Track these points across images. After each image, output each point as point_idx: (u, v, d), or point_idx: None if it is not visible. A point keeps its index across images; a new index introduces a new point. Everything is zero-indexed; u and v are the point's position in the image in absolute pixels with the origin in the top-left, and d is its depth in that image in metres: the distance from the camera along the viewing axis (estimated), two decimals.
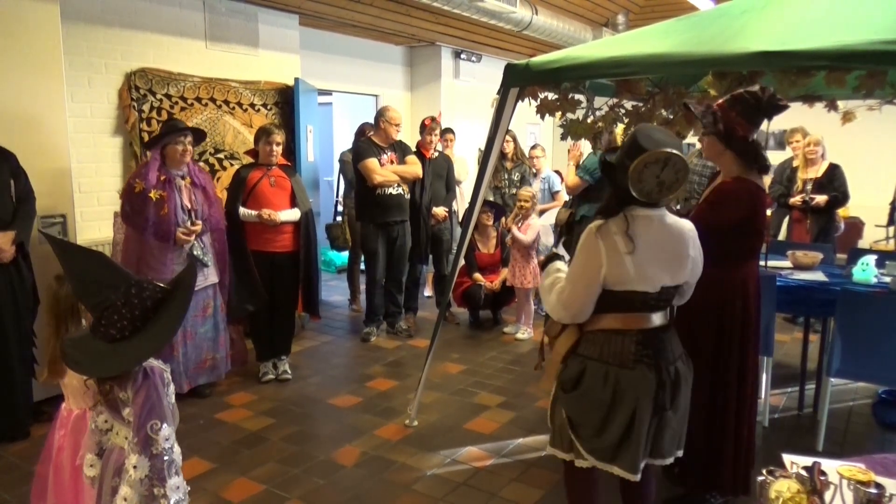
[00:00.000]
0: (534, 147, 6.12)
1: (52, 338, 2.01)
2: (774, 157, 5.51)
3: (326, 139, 7.87)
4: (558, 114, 3.64)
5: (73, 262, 1.66)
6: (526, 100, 3.34)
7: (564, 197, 6.27)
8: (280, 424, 3.63)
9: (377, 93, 7.26)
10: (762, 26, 2.78)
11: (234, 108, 5.12)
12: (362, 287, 5.76)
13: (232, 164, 5.06)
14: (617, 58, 2.91)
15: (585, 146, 4.92)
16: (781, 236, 5.87)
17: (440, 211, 5.50)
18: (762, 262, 3.19)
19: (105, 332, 1.61)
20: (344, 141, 7.73)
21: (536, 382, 4.20)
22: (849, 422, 3.74)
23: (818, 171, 5.43)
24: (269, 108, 5.38)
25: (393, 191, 5.00)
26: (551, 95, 3.44)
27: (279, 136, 4.08)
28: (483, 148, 5.76)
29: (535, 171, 6.03)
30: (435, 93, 7.47)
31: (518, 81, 3.29)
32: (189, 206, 3.75)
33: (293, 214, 4.15)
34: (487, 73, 8.03)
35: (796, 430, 3.63)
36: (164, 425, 1.65)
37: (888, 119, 4.44)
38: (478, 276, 5.51)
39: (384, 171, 4.92)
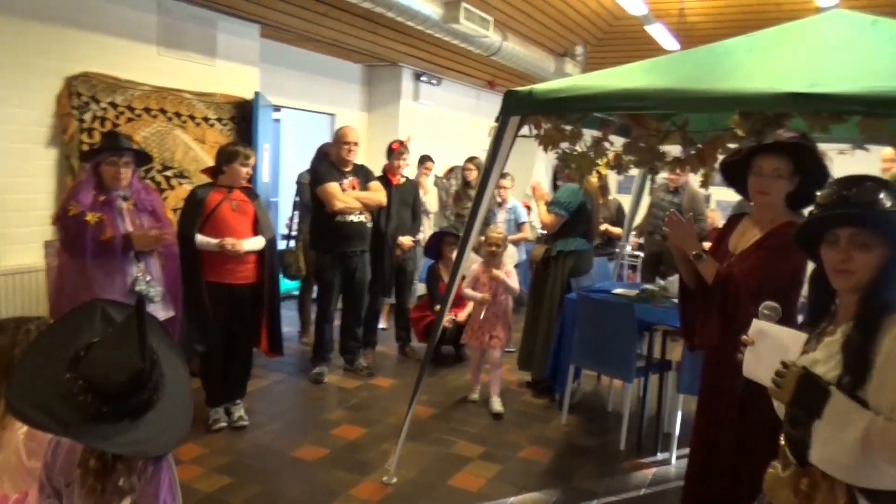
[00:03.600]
0: (503, 176, 5.91)
1: None
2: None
3: (274, 159, 7.43)
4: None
5: None
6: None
7: (530, 230, 6.10)
8: (239, 484, 3.19)
9: (333, 111, 6.90)
10: (777, 65, 2.66)
11: (185, 122, 4.66)
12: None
13: (181, 184, 4.59)
14: (632, 90, 2.72)
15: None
16: None
17: (406, 240, 5.19)
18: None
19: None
20: (291, 161, 7.31)
21: (515, 429, 3.92)
22: None
23: None
24: (224, 122, 4.95)
25: (354, 218, 4.66)
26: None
27: (254, 158, 3.69)
28: (444, 175, 5.44)
29: (500, 200, 5.82)
30: (393, 114, 7.18)
31: (519, 110, 3.06)
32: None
33: (257, 243, 3.75)
34: (447, 98, 7.83)
35: None
36: None
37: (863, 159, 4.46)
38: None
39: (346, 198, 4.58)
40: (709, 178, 3.60)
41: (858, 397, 1.32)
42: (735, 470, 2.33)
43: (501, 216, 5.71)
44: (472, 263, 4.55)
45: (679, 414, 3.64)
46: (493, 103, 8.91)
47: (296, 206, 5.72)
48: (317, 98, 6.66)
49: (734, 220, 2.57)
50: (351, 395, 4.50)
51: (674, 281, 4.39)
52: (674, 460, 3.65)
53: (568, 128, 3.01)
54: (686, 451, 3.74)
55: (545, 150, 3.37)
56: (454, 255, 5.20)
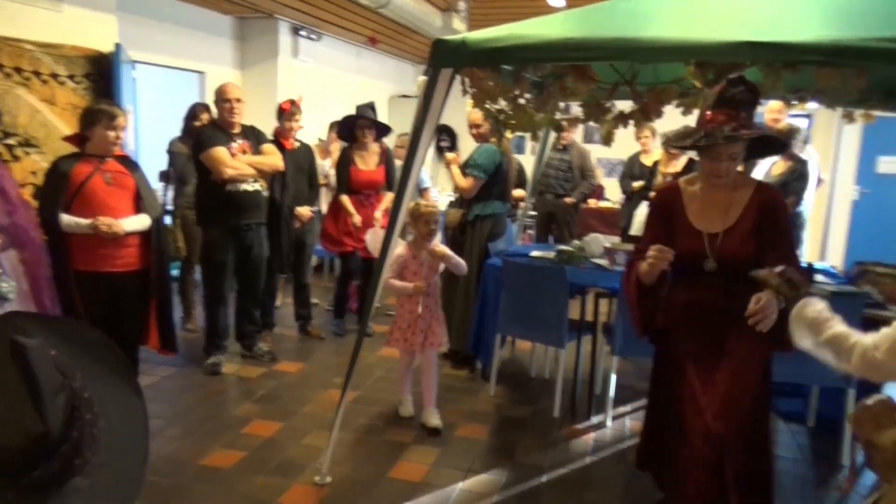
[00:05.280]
0: (402, 135, 5.57)
1: None
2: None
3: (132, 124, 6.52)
4: (470, 101, 3.18)
5: None
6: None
7: (433, 194, 5.83)
8: None
9: (202, 69, 6.15)
10: (721, 13, 2.55)
11: (29, 79, 3.86)
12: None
13: (28, 153, 3.83)
14: (579, 40, 2.48)
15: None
16: (635, 230, 6.02)
17: (305, 211, 4.73)
18: None
19: None
20: (151, 127, 6.45)
21: (445, 405, 3.70)
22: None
23: (678, 165, 5.60)
24: (77, 80, 4.17)
25: (248, 187, 4.13)
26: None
27: (124, 119, 3.07)
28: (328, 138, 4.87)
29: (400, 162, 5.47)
30: (271, 72, 6.55)
31: (451, 61, 2.73)
32: None
33: (141, 222, 3.18)
34: (329, 55, 7.27)
35: None
36: None
37: None
38: (355, 217, 4.76)
39: (237, 163, 4.04)
40: (612, 135, 3.52)
41: None
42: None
43: None
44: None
45: (613, 376, 3.59)
46: (374, 61, 8.46)
47: (165, 177, 5.04)
48: (182, 53, 5.89)
49: (668, 193, 2.42)
50: (256, 386, 4.05)
51: (590, 241, 4.34)
52: (609, 422, 3.61)
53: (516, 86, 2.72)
54: (620, 411, 3.77)
55: (475, 105, 3.10)
56: (369, 139, 4.82)
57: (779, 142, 2.30)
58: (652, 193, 5.59)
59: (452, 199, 4.75)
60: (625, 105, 3.25)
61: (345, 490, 2.89)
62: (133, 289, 3.22)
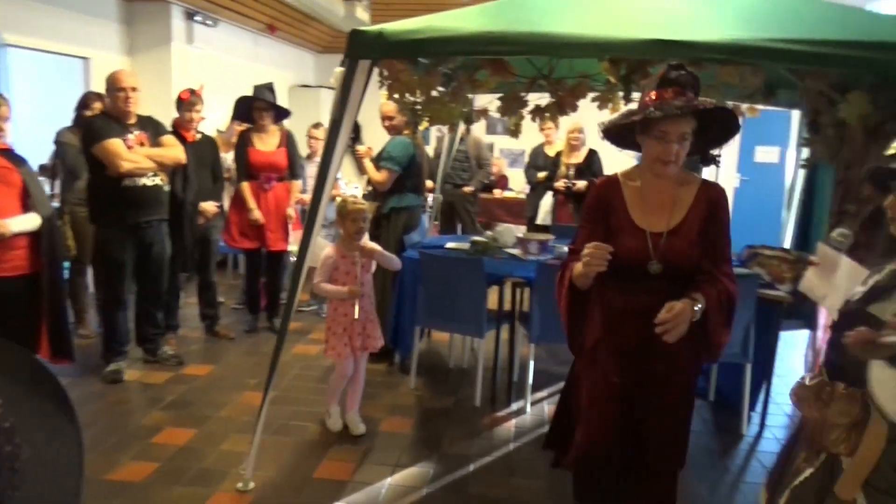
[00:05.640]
0: (315, 126, 5.42)
1: None
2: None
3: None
4: (384, 91, 3.16)
5: None
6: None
7: (342, 185, 5.73)
8: None
9: (86, 55, 5.71)
10: (633, 12, 2.66)
11: None
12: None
13: None
14: (499, 34, 2.52)
15: None
16: (541, 219, 6.20)
17: (209, 206, 4.51)
18: None
19: None
20: (27, 117, 5.91)
21: (366, 400, 3.66)
22: None
23: (580, 156, 5.81)
24: None
25: (147, 181, 3.89)
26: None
27: (7, 108, 2.80)
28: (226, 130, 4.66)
29: (310, 152, 5.34)
30: (164, 59, 6.17)
31: (369, 53, 2.69)
32: None
33: (30, 222, 2.92)
34: (225, 42, 6.95)
35: None
36: None
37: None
38: (254, 213, 4.61)
39: (134, 156, 3.80)
40: (519, 127, 3.61)
41: (868, 314, 1.44)
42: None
43: (311, 170, 5.22)
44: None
45: (531, 363, 3.68)
46: (273, 49, 8.18)
47: (48, 170, 4.66)
48: (62, 37, 5.43)
49: (606, 187, 2.11)
50: (164, 392, 3.84)
51: (503, 231, 4.43)
52: (528, 408, 3.70)
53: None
54: (538, 396, 3.88)
55: (390, 97, 3.07)
56: (267, 121, 4.63)
57: (732, 123, 1.99)
58: (558, 184, 5.80)
59: (364, 191, 4.70)
60: (533, 97, 3.32)
61: (270, 494, 2.80)
62: (21, 294, 2.95)
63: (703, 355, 2.06)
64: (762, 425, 3.60)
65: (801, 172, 4.27)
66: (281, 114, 4.78)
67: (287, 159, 4.75)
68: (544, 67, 2.91)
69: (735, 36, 2.37)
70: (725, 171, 8.36)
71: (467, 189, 6.56)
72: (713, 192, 2.05)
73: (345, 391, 3.43)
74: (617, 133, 2.07)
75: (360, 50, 2.69)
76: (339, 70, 2.77)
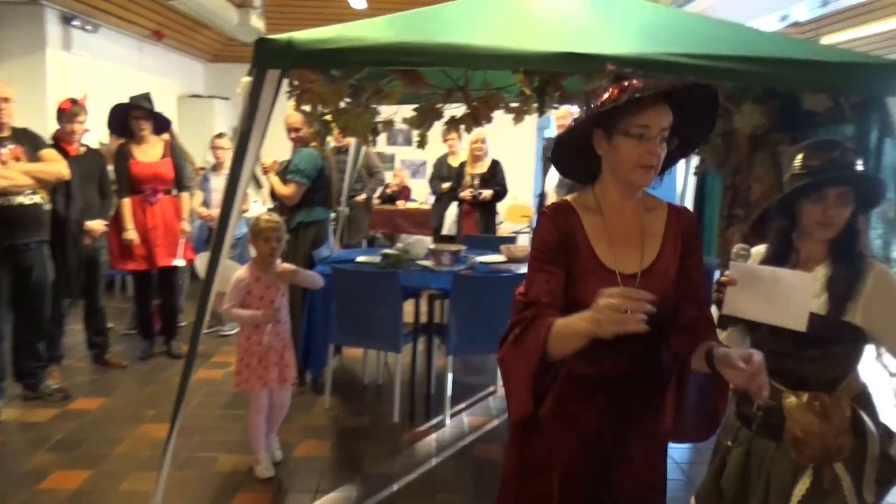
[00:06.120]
0: (219, 136, 5.14)
1: None
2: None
3: None
4: (291, 103, 3.06)
5: None
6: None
7: (252, 200, 5.46)
8: None
9: None
10: (542, 26, 2.72)
11: None
12: None
13: None
14: (415, 45, 2.51)
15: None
16: (447, 230, 6.22)
17: (96, 225, 4.17)
18: None
19: None
20: None
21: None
22: None
23: (483, 166, 5.87)
24: None
25: (25, 200, 3.59)
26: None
27: None
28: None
29: (216, 162, 5.06)
30: (37, 67, 5.66)
31: (278, 62, 2.59)
32: None
33: None
34: (107, 49, 6.48)
35: None
36: None
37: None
38: (130, 233, 4.31)
39: (8, 172, 3.48)
40: (425, 138, 3.61)
41: (844, 322, 1.61)
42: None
43: (217, 183, 4.95)
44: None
45: (450, 375, 3.66)
46: (159, 57, 7.75)
47: None
48: None
49: (561, 215, 1.58)
50: (49, 431, 3.48)
51: (414, 243, 4.39)
52: (448, 421, 3.67)
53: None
54: (457, 408, 3.85)
55: (298, 107, 2.97)
56: (146, 130, 4.32)
57: (708, 118, 1.57)
58: (464, 193, 5.82)
59: (265, 205, 4.52)
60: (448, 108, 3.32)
61: None
62: None
63: (690, 433, 1.56)
64: None
65: (693, 179, 4.52)
66: (161, 123, 4.49)
67: (174, 170, 4.48)
68: (460, 79, 2.91)
69: (641, 50, 2.48)
70: None
71: (360, 198, 6.48)
72: (685, 219, 1.61)
73: (268, 418, 3.16)
74: (571, 146, 1.59)
75: (269, 59, 2.58)
76: (246, 80, 2.64)
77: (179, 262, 4.55)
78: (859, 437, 1.60)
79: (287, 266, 3.13)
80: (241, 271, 3.03)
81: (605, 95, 1.49)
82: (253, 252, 3.11)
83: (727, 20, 3.16)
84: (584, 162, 1.60)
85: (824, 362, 1.64)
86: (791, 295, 1.52)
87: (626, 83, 1.46)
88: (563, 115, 5.43)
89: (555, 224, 1.57)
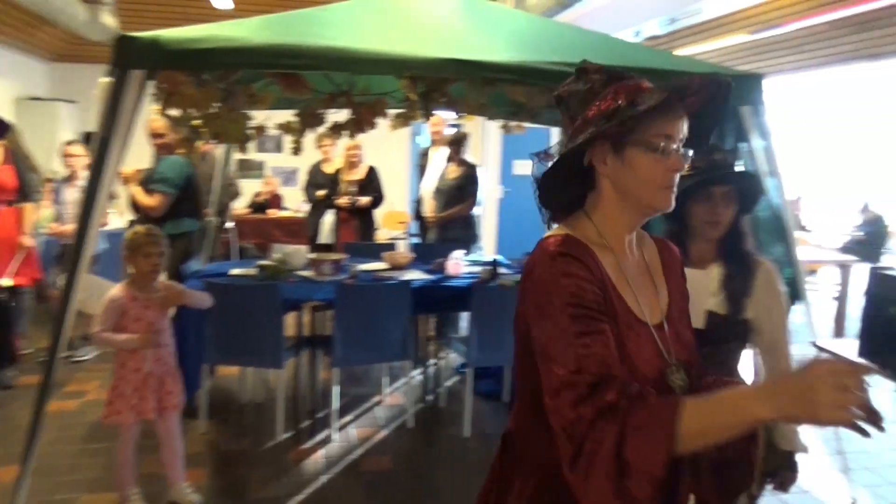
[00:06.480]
0: (70, 143, 4.64)
1: None
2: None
3: None
4: (154, 107, 2.85)
5: None
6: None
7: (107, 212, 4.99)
8: None
9: None
10: (421, 32, 2.72)
11: None
12: None
13: None
14: (294, 47, 2.42)
15: None
16: (323, 238, 6.07)
17: None
18: None
19: None
20: None
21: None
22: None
23: (360, 173, 5.78)
24: None
25: None
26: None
27: None
28: None
29: (70, 172, 4.56)
30: None
31: (142, 62, 2.40)
32: None
33: None
34: None
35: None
36: None
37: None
38: None
39: None
40: (300, 144, 3.51)
41: (741, 319, 1.72)
42: None
43: (72, 194, 4.47)
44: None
45: (336, 388, 3.54)
46: None
47: None
48: None
49: (580, 254, 1.14)
50: None
51: (292, 253, 4.23)
52: (335, 435, 3.56)
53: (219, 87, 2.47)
54: (343, 421, 3.74)
55: (164, 111, 2.76)
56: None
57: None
58: (341, 200, 5.69)
59: (122, 217, 4.16)
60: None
61: None
62: None
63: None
64: None
65: None
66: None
67: (16, 179, 4.02)
68: (343, 84, 2.82)
69: (522, 58, 2.53)
70: (489, 183, 9.00)
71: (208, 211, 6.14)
72: (674, 252, 1.37)
73: (165, 461, 2.87)
74: (566, 169, 1.20)
75: (131, 59, 2.39)
76: (105, 80, 2.40)
77: (6, 281, 4.06)
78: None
79: (173, 285, 2.84)
80: (115, 290, 2.70)
81: (609, 100, 1.13)
82: (129, 269, 2.76)
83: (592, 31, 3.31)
84: (562, 186, 1.23)
85: (717, 358, 1.73)
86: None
87: (631, 83, 1.14)
88: (437, 121, 5.47)
89: (586, 265, 1.14)
